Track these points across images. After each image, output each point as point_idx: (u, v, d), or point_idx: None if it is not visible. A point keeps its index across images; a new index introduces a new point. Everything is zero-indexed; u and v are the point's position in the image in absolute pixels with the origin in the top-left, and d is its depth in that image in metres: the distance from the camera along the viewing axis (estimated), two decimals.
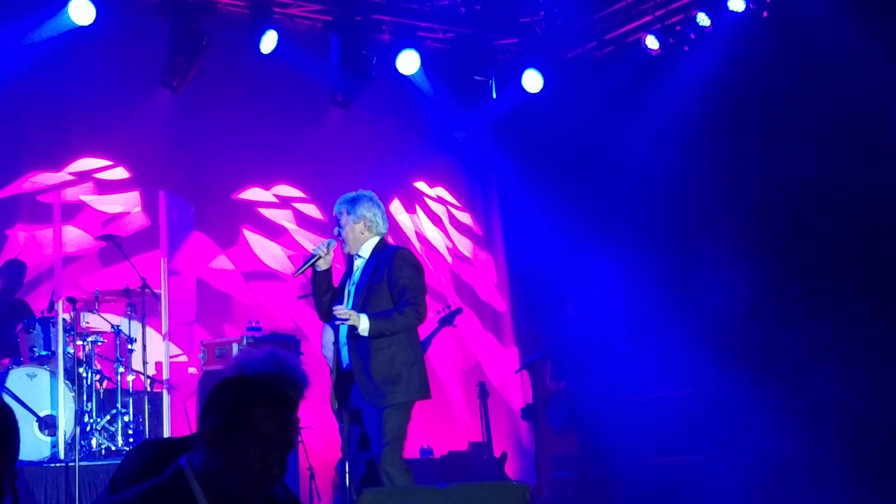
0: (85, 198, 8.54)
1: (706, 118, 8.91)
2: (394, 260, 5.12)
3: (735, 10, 8.64)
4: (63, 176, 8.47)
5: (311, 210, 9.59)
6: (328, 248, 5.12)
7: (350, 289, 5.18)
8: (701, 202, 9.08)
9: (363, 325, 4.95)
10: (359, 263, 5.19)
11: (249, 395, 2.41)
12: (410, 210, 10.11)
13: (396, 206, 9.92)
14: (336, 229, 5.23)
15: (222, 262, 9.12)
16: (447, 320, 8.13)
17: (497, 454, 8.29)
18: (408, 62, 9.17)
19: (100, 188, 8.64)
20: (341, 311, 4.98)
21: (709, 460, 7.87)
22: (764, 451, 7.43)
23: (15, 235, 8.21)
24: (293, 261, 9.25)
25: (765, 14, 8.64)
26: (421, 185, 10.24)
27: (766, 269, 8.27)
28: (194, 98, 8.88)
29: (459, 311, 8.24)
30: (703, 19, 8.82)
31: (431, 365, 8.31)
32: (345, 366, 5.09)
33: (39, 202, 8.17)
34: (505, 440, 9.36)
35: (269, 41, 8.58)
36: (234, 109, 9.07)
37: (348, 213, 5.19)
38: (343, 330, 5.07)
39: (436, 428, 9.11)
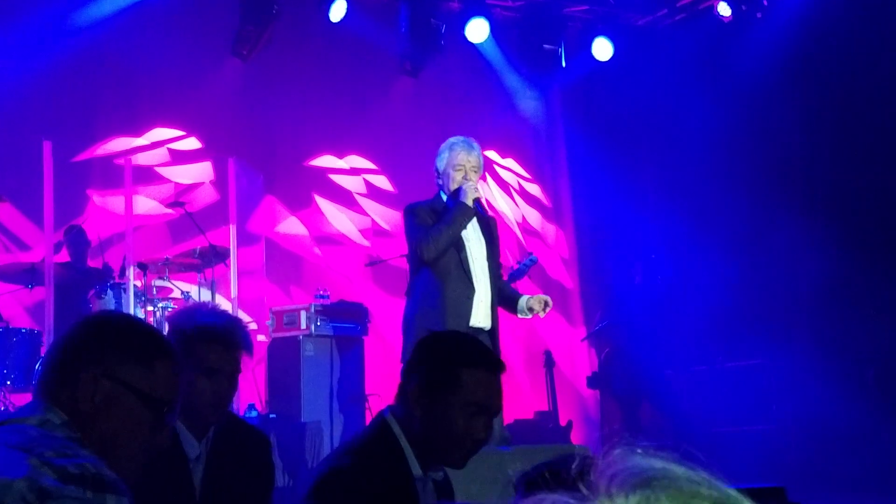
0: (160, 169, 8.69)
1: (779, 87, 8.73)
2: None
3: None
4: (137, 142, 8.62)
5: (382, 181, 9.64)
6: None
7: (473, 239, 5.01)
8: (774, 173, 8.91)
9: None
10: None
11: (460, 355, 2.35)
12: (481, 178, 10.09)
13: None
14: (476, 174, 5.05)
15: (292, 226, 9.22)
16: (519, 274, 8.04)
17: (563, 423, 8.29)
18: (477, 30, 9.11)
19: (173, 158, 8.78)
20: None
21: (778, 430, 7.79)
22: (833, 421, 7.33)
23: (90, 199, 8.39)
24: (364, 233, 9.34)
25: None
26: (492, 154, 10.21)
27: (840, 242, 8.11)
28: (264, 67, 8.96)
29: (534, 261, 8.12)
30: None
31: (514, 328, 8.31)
32: (485, 325, 4.92)
33: (113, 168, 8.30)
34: (571, 409, 9.34)
35: (338, 9, 8.60)
36: (304, 78, 9.13)
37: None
38: (480, 286, 4.92)
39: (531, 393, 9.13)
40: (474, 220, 5.00)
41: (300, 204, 9.28)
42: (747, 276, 8.72)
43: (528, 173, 10.39)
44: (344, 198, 9.47)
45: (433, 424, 2.30)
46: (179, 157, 8.79)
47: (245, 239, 8.04)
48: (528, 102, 9.87)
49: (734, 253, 8.90)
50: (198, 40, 8.69)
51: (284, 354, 7.47)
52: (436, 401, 2.30)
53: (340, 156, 9.50)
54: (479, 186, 4.97)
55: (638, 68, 9.69)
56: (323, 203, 9.39)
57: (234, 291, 7.33)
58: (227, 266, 7.24)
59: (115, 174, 7.95)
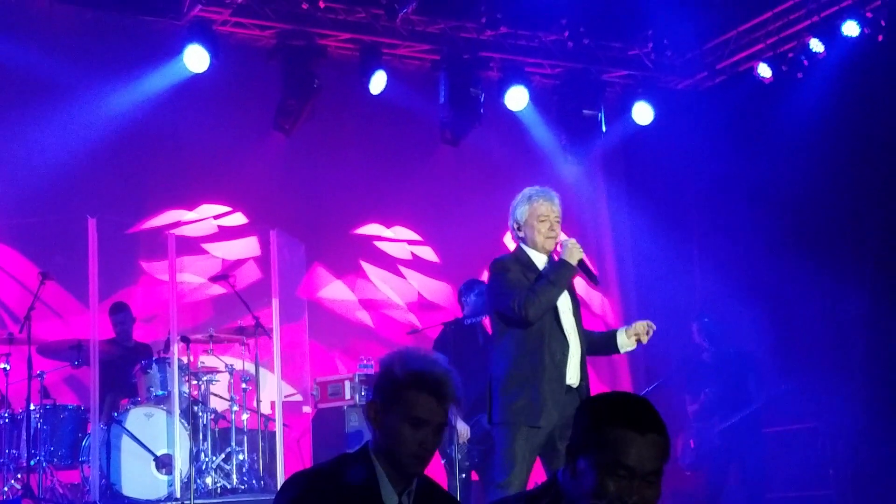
0: (206, 245, 8.78)
1: (823, 147, 8.64)
2: None
3: (849, 35, 8.36)
4: (185, 216, 8.72)
5: (426, 252, 9.65)
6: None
7: (564, 296, 4.79)
8: (821, 233, 8.79)
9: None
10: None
11: (406, 380, 2.69)
12: None
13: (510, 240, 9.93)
14: (559, 225, 4.87)
15: (337, 290, 9.26)
16: None
17: None
18: (516, 98, 9.17)
19: (219, 233, 8.88)
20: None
21: (837, 496, 7.58)
22: (891, 487, 7.11)
23: (136, 275, 8.47)
24: (409, 305, 9.34)
25: (880, 38, 8.34)
26: None
27: (892, 300, 7.94)
28: (306, 140, 9.05)
29: None
30: (816, 45, 8.57)
31: None
32: (574, 382, 4.71)
33: (158, 242, 8.38)
34: None
35: (378, 82, 8.70)
36: (346, 149, 9.21)
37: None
38: (573, 343, 4.74)
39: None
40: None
41: (345, 271, 9.33)
42: (796, 338, 8.56)
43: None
44: (388, 265, 9.49)
45: (388, 437, 2.72)
46: (225, 233, 8.89)
47: (288, 309, 8.03)
48: (568, 168, 9.85)
49: (781, 315, 8.75)
50: (241, 116, 8.82)
51: (329, 425, 7.43)
52: (386, 417, 2.72)
53: (385, 225, 9.56)
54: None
55: (679, 131, 9.67)
56: (368, 269, 9.43)
57: (277, 363, 7.30)
58: (271, 338, 7.23)
59: (161, 248, 8.03)
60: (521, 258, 4.81)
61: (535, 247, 4.80)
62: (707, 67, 9.71)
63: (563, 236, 4.82)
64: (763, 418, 7.64)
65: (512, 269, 4.75)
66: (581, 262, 4.73)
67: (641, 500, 2.19)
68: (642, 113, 9.47)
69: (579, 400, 4.62)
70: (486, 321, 7.70)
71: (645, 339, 4.84)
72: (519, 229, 4.85)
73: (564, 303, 4.77)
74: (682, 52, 9.72)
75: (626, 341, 4.84)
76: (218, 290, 8.38)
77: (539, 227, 4.78)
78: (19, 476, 6.49)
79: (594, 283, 4.97)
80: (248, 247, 8.89)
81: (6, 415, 6.70)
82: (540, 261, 4.80)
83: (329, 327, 9.07)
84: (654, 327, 4.86)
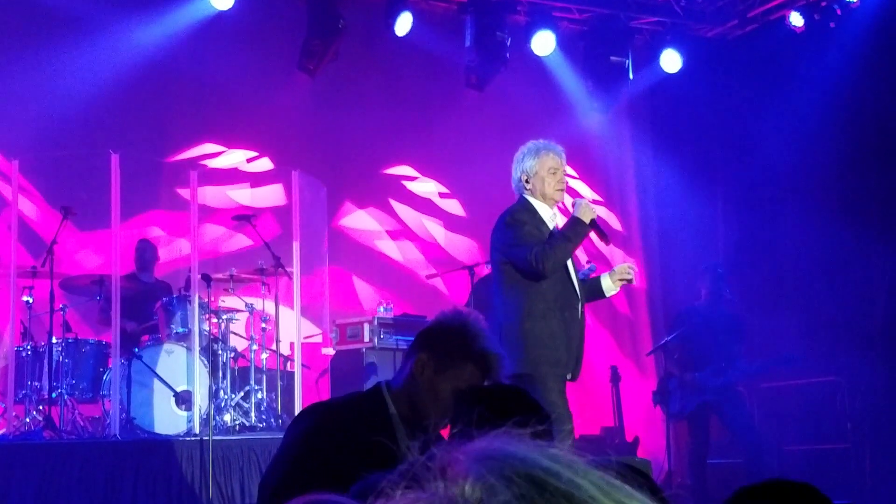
0: (231, 192, 8.79)
1: (854, 99, 8.50)
2: None
3: None
4: (206, 154, 8.72)
5: (434, 188, 9.65)
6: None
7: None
8: (847, 187, 8.68)
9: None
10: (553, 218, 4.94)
11: (472, 354, 2.71)
12: None
13: None
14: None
15: (361, 225, 9.30)
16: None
17: (629, 439, 8.15)
18: (543, 43, 9.06)
19: (243, 175, 8.89)
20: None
21: (854, 450, 7.57)
22: None
23: (159, 211, 8.50)
24: (427, 242, 9.34)
25: None
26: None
27: None
28: (330, 81, 9.00)
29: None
30: None
31: None
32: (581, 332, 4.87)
33: (182, 179, 8.38)
34: (638, 425, 9.18)
35: (404, 23, 8.61)
36: (370, 92, 9.16)
37: None
38: (581, 295, 4.85)
39: (575, 405, 9.00)
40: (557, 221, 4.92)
41: (370, 208, 9.39)
42: (820, 292, 8.49)
43: (593, 190, 10.27)
44: (416, 205, 9.52)
45: (426, 393, 2.72)
46: (250, 177, 8.90)
47: (309, 250, 8.05)
48: (593, 115, 9.76)
49: (806, 269, 8.68)
50: (265, 55, 8.77)
51: (348, 366, 7.48)
52: (436, 377, 2.71)
53: (412, 167, 9.56)
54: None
55: (707, 80, 9.53)
56: (396, 206, 9.49)
57: (297, 305, 7.33)
58: (291, 279, 7.25)
59: (184, 185, 8.04)
60: (530, 209, 4.87)
61: (543, 199, 4.88)
62: (738, 15, 9.54)
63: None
64: (764, 371, 7.68)
65: (528, 223, 4.80)
66: (593, 221, 4.83)
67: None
68: (670, 61, 9.33)
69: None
70: None
71: (629, 278, 4.97)
72: (527, 181, 4.89)
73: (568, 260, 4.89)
74: (713, 0, 9.56)
75: (610, 285, 4.97)
76: (241, 234, 8.40)
77: (549, 179, 4.87)
78: (41, 408, 6.57)
79: (606, 242, 5.07)
80: (273, 194, 8.89)
81: (29, 347, 6.77)
82: (546, 213, 4.88)
83: (353, 257, 9.12)
84: (636, 269, 5.07)
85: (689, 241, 9.58)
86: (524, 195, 4.92)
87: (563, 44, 9.26)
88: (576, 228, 4.79)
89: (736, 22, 9.59)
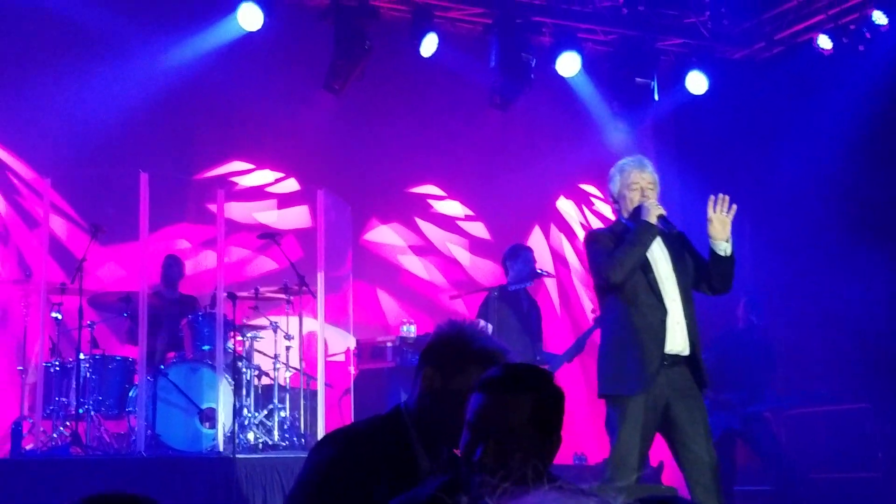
0: (257, 214, 8.86)
1: (882, 123, 8.45)
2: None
3: None
4: (234, 174, 8.80)
5: (457, 208, 9.67)
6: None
7: (661, 259, 4.74)
8: (876, 210, 8.62)
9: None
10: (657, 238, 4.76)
11: (474, 356, 2.72)
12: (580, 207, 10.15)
13: (564, 203, 9.99)
14: (653, 192, 4.80)
15: (385, 240, 9.36)
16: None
17: (654, 464, 8.09)
18: (568, 64, 9.08)
19: (269, 194, 8.96)
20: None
21: (883, 479, 7.48)
22: None
23: (186, 229, 8.57)
24: (447, 262, 9.35)
25: None
26: (589, 188, 10.15)
27: None
28: (356, 101, 9.06)
29: None
30: (879, 17, 8.36)
31: (586, 368, 8.21)
32: (683, 350, 4.63)
33: (209, 198, 8.45)
34: (663, 450, 9.12)
35: (429, 44, 8.66)
36: (395, 112, 9.21)
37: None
38: (674, 309, 4.65)
39: (589, 435, 8.97)
40: (661, 239, 4.75)
41: (395, 227, 9.43)
42: (849, 316, 8.43)
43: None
44: (440, 224, 9.56)
45: (440, 403, 2.70)
46: (276, 195, 8.96)
47: (333, 271, 8.10)
48: (618, 136, 9.76)
49: (834, 292, 8.62)
50: (291, 75, 8.84)
51: (371, 386, 7.49)
52: (444, 385, 2.71)
53: (438, 186, 9.61)
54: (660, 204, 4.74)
55: (733, 102, 9.51)
56: (422, 225, 9.54)
57: (320, 325, 7.36)
58: (315, 297, 7.28)
59: (211, 200, 8.11)
60: (615, 230, 4.79)
61: (629, 217, 4.77)
62: (765, 37, 9.53)
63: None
64: (795, 397, 7.62)
65: (601, 240, 4.76)
66: (662, 218, 4.68)
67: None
68: (696, 82, 9.32)
69: (688, 370, 4.61)
70: (530, 288, 7.71)
71: (726, 213, 4.74)
72: (615, 201, 4.84)
73: (665, 268, 4.73)
74: (740, 21, 9.54)
75: (714, 238, 4.76)
76: (265, 256, 8.45)
77: (631, 195, 4.76)
78: (68, 424, 6.63)
79: (673, 234, 4.84)
80: (298, 217, 8.95)
81: (57, 363, 6.84)
82: None
83: (377, 272, 9.18)
84: (726, 197, 4.76)
85: None
86: (619, 217, 4.84)
87: (588, 65, 9.28)
88: (638, 230, 4.64)
89: (763, 44, 9.58)
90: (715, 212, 4.74)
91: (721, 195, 4.76)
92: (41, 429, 6.57)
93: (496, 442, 2.26)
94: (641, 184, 4.76)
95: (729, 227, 4.73)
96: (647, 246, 4.65)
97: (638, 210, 4.72)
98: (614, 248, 4.66)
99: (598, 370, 4.72)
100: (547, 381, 2.37)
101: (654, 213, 4.66)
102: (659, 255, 4.75)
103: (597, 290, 4.86)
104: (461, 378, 2.71)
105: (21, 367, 6.87)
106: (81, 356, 6.75)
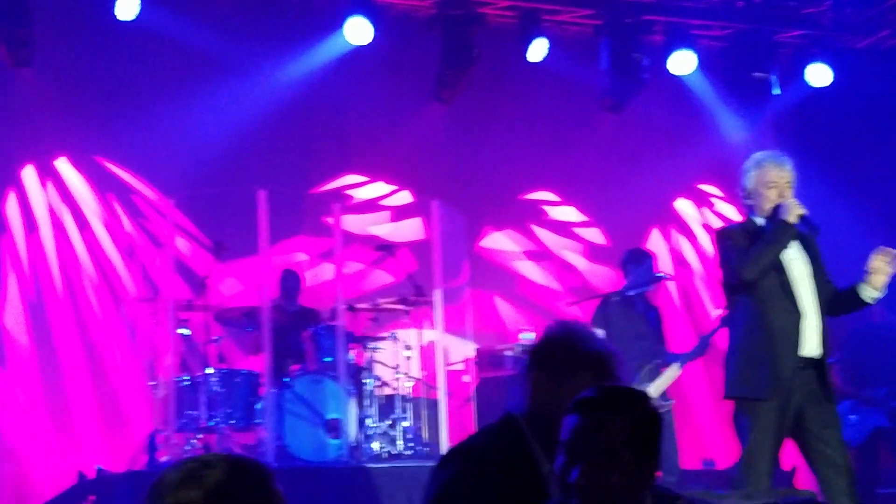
0: (372, 228, 8.93)
1: None
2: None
3: None
4: (349, 188, 8.90)
5: (573, 214, 9.57)
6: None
7: (796, 260, 4.57)
8: None
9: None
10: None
11: (586, 360, 2.68)
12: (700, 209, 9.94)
13: (683, 203, 9.81)
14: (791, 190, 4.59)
15: (502, 247, 9.34)
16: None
17: (787, 468, 7.84)
18: (682, 62, 8.89)
19: (383, 208, 9.03)
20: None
21: None
22: None
23: (302, 243, 8.70)
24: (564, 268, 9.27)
25: None
26: (708, 188, 9.91)
27: None
28: (465, 110, 9.06)
29: None
30: None
31: (711, 371, 8.00)
32: (816, 354, 4.48)
33: (326, 213, 8.56)
34: (796, 454, 8.83)
35: (538, 49, 8.60)
36: (505, 119, 9.17)
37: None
38: (810, 312, 4.50)
39: (716, 439, 8.74)
40: (796, 240, 4.58)
41: (505, 235, 9.41)
42: None
43: (740, 211, 10.01)
44: (556, 230, 9.50)
45: (551, 402, 2.62)
46: (390, 208, 9.02)
47: (450, 278, 8.11)
48: (738, 134, 9.50)
49: None
50: (401, 86, 8.89)
51: (491, 394, 7.46)
52: (553, 386, 2.67)
53: (553, 192, 9.55)
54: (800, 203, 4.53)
55: (859, 93, 9.17)
56: (535, 230, 9.51)
57: (440, 332, 7.35)
58: (433, 307, 7.29)
59: (328, 214, 8.21)
60: (747, 227, 4.61)
61: (763, 215, 4.57)
62: (889, 25, 9.17)
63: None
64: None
65: (733, 237, 4.58)
66: (803, 217, 4.50)
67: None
68: (818, 74, 9.01)
69: (817, 374, 4.46)
70: (649, 294, 7.54)
71: (888, 267, 4.53)
72: (747, 197, 4.63)
73: (800, 270, 4.56)
74: (863, 10, 9.19)
75: (875, 284, 4.55)
76: (381, 270, 8.55)
77: (768, 194, 4.55)
78: (199, 436, 6.78)
79: (815, 234, 4.66)
80: (412, 229, 9.00)
81: (187, 378, 7.01)
82: None
83: (494, 279, 9.17)
84: (893, 251, 4.53)
85: (847, 260, 9.18)
86: (749, 214, 4.66)
87: (703, 61, 9.07)
88: (776, 229, 4.46)
89: (888, 32, 9.22)
90: (889, 267, 4.54)
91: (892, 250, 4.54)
92: (174, 441, 6.73)
93: (592, 464, 2.19)
94: (780, 182, 4.55)
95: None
96: (784, 245, 4.49)
97: (776, 208, 4.52)
98: (747, 246, 4.49)
99: (727, 371, 4.58)
100: (643, 401, 2.29)
101: (794, 212, 4.48)
102: (794, 256, 4.58)
103: (726, 287, 4.67)
104: (572, 383, 2.64)
105: (153, 383, 7.05)
106: (209, 370, 6.90)
